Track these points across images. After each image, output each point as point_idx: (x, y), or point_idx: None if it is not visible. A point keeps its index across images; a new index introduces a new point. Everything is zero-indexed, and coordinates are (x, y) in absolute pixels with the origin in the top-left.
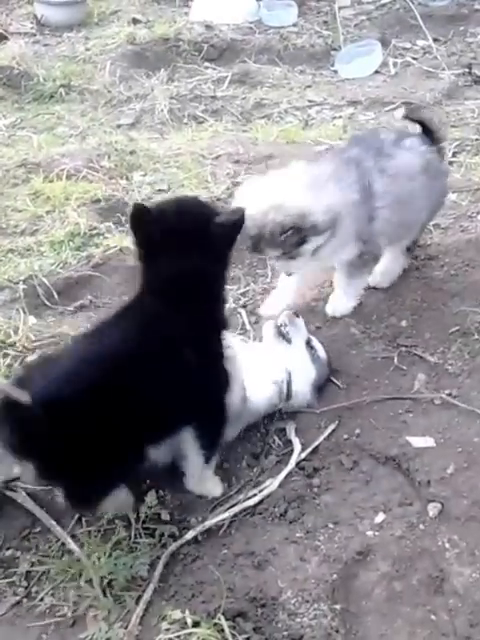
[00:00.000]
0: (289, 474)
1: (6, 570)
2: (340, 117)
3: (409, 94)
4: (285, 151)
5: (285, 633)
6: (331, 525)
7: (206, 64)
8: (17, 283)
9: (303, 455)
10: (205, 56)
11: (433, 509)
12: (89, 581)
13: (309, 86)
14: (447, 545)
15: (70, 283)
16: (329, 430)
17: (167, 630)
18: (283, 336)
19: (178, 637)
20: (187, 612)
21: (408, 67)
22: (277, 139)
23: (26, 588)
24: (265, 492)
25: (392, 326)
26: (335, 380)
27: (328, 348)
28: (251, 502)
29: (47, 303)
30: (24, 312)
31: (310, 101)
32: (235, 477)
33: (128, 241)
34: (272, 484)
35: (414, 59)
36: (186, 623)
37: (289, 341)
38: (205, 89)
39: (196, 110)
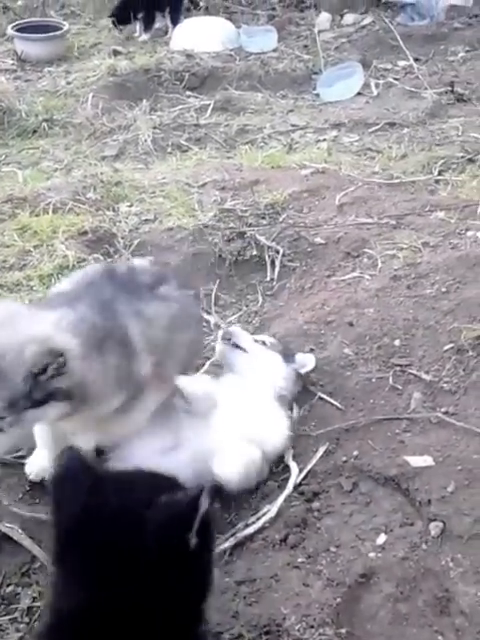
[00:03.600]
0: (288, 499)
1: (8, 606)
2: (324, 140)
3: (392, 114)
4: (270, 176)
5: None
6: (333, 548)
7: (188, 93)
8: None
9: (300, 479)
10: (187, 85)
11: (435, 528)
12: None
13: (292, 110)
14: (451, 564)
15: None
16: (320, 452)
17: None
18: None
19: None
20: None
21: (390, 88)
22: (262, 164)
23: (28, 624)
24: (264, 519)
25: (385, 346)
26: (333, 401)
27: (322, 370)
28: (251, 530)
29: None
30: None
31: (293, 125)
32: (234, 503)
33: None
34: (271, 510)
35: (396, 79)
36: None
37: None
38: (188, 117)
39: (180, 139)
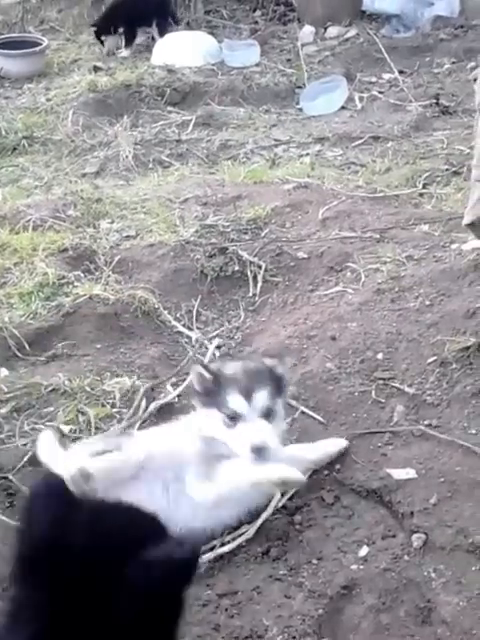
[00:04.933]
0: (271, 512)
1: None
2: (307, 154)
3: (376, 128)
4: (253, 191)
5: None
6: (315, 561)
7: (169, 108)
8: None
9: (284, 500)
10: (168, 100)
11: (417, 540)
12: None
13: (274, 125)
14: (433, 575)
15: (41, 333)
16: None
17: None
18: None
19: None
20: None
21: (374, 101)
22: (244, 179)
23: None
24: (244, 537)
25: (368, 360)
26: (316, 415)
27: (304, 385)
28: (230, 546)
29: (18, 354)
30: None
31: (276, 140)
32: None
33: (98, 289)
34: (249, 531)
35: (380, 93)
36: None
37: None
38: (169, 133)
39: (161, 155)
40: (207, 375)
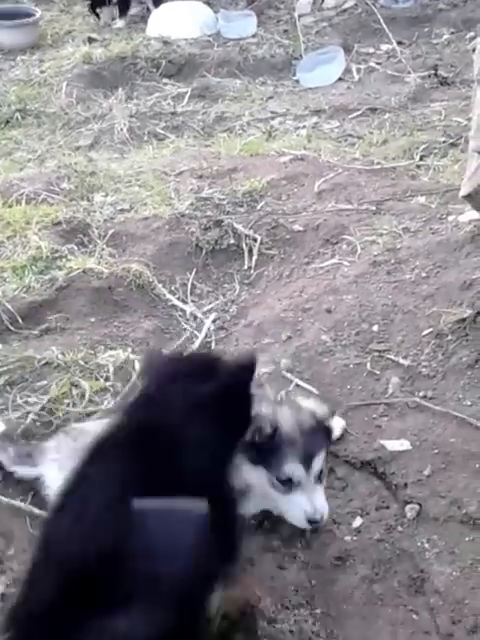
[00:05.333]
0: None
1: None
2: (304, 127)
3: (373, 100)
4: (249, 163)
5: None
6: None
7: (165, 80)
8: None
9: None
10: (164, 72)
11: (411, 511)
12: None
13: (271, 97)
14: (426, 545)
15: (34, 307)
16: None
17: None
18: None
19: None
20: None
21: (372, 72)
22: (240, 152)
23: (2, 609)
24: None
25: (364, 332)
26: (310, 387)
27: (299, 357)
28: None
29: (11, 328)
30: None
31: (272, 112)
32: None
33: (91, 262)
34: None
35: (378, 64)
36: None
37: None
38: (165, 106)
39: (156, 127)
40: (268, 430)
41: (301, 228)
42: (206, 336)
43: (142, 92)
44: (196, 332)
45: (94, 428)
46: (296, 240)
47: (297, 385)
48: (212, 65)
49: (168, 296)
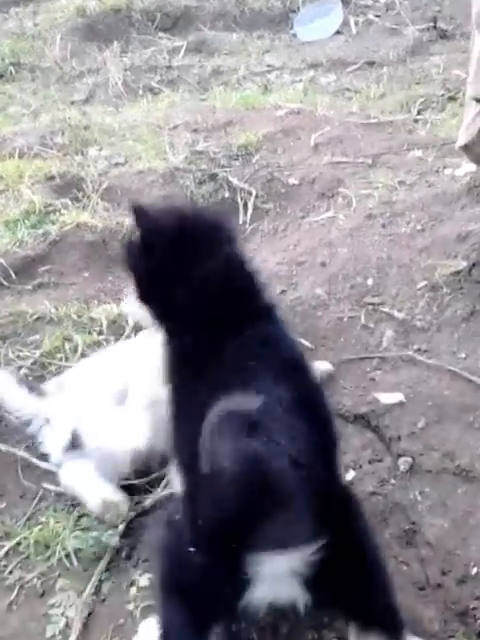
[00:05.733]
0: None
1: None
2: (300, 80)
3: (371, 53)
4: (245, 117)
5: None
6: None
7: (160, 34)
8: None
9: None
10: (159, 26)
11: (404, 464)
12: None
13: (268, 51)
14: (419, 498)
15: (28, 261)
16: None
17: (135, 596)
18: None
19: (145, 600)
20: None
21: (370, 25)
22: (236, 106)
23: None
24: None
25: (358, 285)
26: (304, 341)
27: (293, 311)
28: None
29: (4, 283)
30: None
31: (269, 66)
32: None
33: (85, 216)
34: None
35: (377, 16)
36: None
37: None
38: (160, 59)
39: (151, 81)
40: None
41: (296, 182)
42: None
43: (137, 46)
44: None
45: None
46: (291, 194)
47: None
48: (208, 18)
49: None
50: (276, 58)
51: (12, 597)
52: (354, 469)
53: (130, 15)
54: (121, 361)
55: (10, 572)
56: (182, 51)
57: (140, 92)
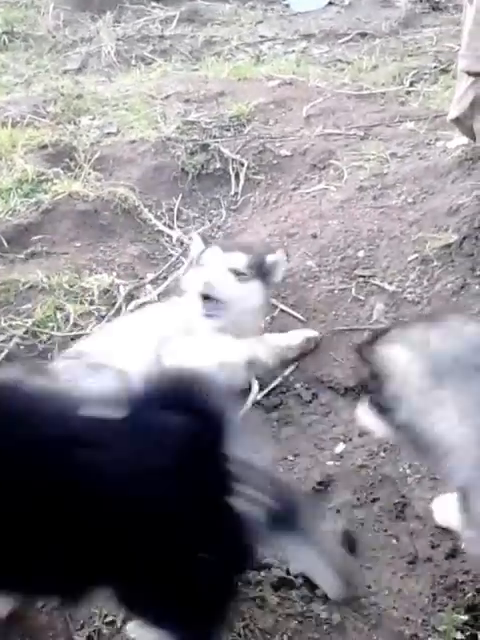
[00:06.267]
0: (247, 410)
1: None
2: (293, 51)
3: (364, 24)
4: (237, 88)
5: None
6: (291, 457)
7: (153, 4)
8: None
9: (260, 396)
10: None
11: None
12: None
13: (260, 21)
14: (408, 471)
15: (20, 230)
16: (288, 371)
17: None
18: None
19: None
20: None
21: None
22: (228, 76)
23: None
24: None
25: (349, 257)
26: (295, 313)
27: (284, 283)
28: None
29: None
30: None
31: (261, 37)
32: None
33: (77, 186)
34: None
35: None
36: None
37: None
38: (153, 29)
39: (144, 51)
40: None
41: (288, 153)
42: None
43: (130, 16)
44: (182, 258)
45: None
46: (283, 165)
47: (282, 311)
48: None
49: (154, 221)
50: (269, 29)
51: None
52: (344, 442)
53: None
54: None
55: None
56: (175, 21)
57: (133, 62)
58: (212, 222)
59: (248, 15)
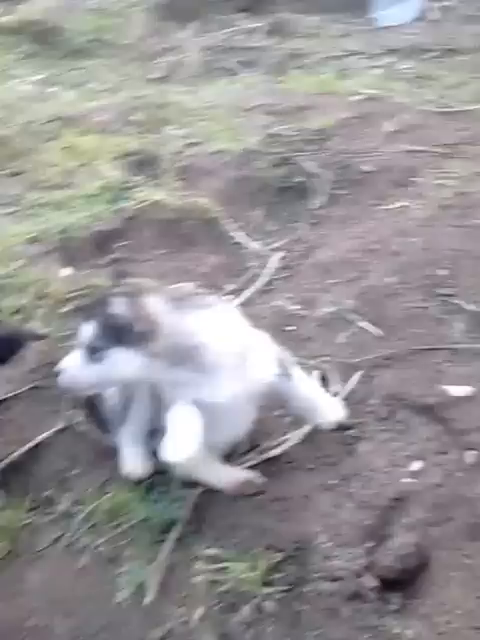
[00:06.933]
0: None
1: (45, 508)
2: (378, 66)
3: (451, 40)
4: (320, 101)
5: (320, 574)
6: (366, 473)
7: (238, 15)
8: (51, 236)
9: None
10: (238, 6)
11: (470, 457)
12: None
13: (345, 35)
14: None
15: (103, 236)
16: (356, 379)
17: (202, 568)
18: None
19: (212, 573)
20: (221, 550)
21: (450, 12)
22: (312, 90)
23: (65, 526)
24: (294, 440)
25: (430, 275)
26: (374, 329)
27: (364, 299)
28: (278, 450)
29: (80, 256)
30: (58, 265)
31: (346, 50)
32: (263, 426)
33: (160, 194)
34: (301, 430)
35: (457, 3)
36: (220, 559)
37: None
38: (238, 40)
39: (228, 62)
40: None
41: (370, 168)
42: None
43: (215, 26)
44: (260, 271)
45: None
46: (365, 180)
47: (360, 327)
48: (286, 0)
49: (234, 232)
50: (354, 43)
51: (82, 561)
52: (420, 460)
53: None
54: None
55: (80, 537)
56: (260, 32)
57: (217, 72)
58: (292, 235)
59: (333, 28)
